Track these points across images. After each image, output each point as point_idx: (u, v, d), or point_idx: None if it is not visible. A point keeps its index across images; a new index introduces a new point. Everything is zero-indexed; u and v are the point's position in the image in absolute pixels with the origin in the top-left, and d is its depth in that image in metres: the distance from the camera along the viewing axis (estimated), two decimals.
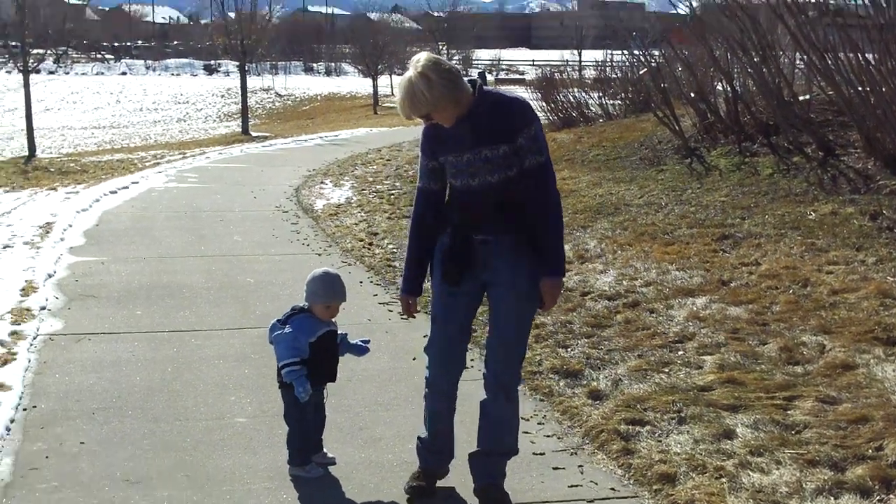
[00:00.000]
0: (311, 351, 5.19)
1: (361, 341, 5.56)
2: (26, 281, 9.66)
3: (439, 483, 5.19)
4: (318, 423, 5.46)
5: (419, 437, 5.20)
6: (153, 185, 17.58)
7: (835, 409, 5.84)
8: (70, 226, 12.95)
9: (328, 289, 5.25)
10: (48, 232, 12.52)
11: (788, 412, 5.88)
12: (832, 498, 4.83)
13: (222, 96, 62.37)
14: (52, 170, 21.81)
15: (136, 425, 6.07)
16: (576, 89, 26.79)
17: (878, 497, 4.81)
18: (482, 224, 4.82)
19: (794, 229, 10.02)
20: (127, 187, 17.15)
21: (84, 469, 5.43)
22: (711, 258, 9.42)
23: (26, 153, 27.57)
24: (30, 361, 7.24)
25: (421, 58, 4.65)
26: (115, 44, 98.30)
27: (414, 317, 5.25)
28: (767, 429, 5.65)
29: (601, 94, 25.98)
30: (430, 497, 5.05)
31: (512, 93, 4.96)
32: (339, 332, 5.42)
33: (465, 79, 4.72)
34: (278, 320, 5.38)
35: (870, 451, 5.27)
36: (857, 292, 7.88)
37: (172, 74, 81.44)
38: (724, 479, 5.09)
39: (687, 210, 11.62)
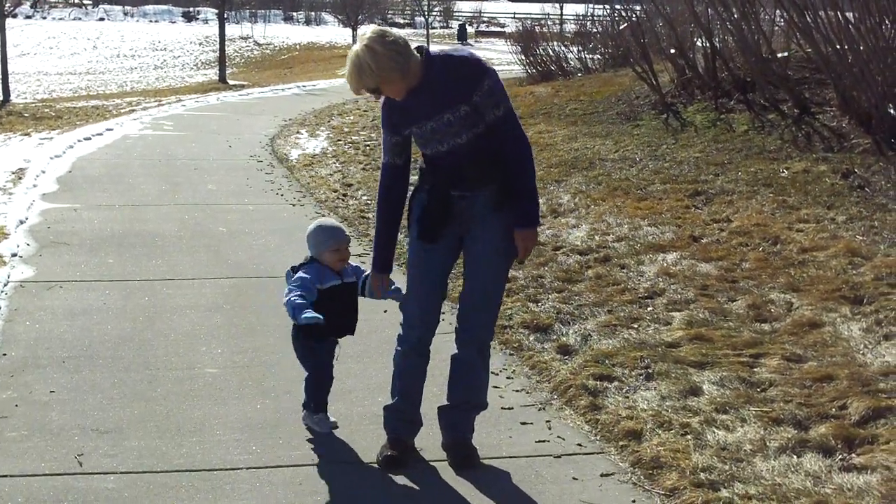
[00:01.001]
0: (320, 297, 5.09)
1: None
2: None
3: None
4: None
5: (386, 407, 5.16)
6: (128, 133, 17.47)
7: (800, 368, 5.89)
8: (43, 172, 12.89)
9: (330, 232, 5.22)
10: (20, 178, 12.46)
11: (755, 370, 5.93)
12: (795, 456, 4.88)
13: (200, 44, 61.83)
14: (26, 115, 21.63)
15: (107, 374, 6.08)
16: (555, 43, 26.69)
17: (840, 456, 4.87)
18: (459, 182, 4.81)
19: (766, 186, 10.05)
20: (101, 134, 17.05)
21: (54, 418, 5.44)
22: (683, 214, 9.45)
23: (0, 98, 27.32)
24: (1, 308, 7.23)
25: (367, 30, 4.63)
26: None
27: (384, 298, 5.19)
28: (733, 386, 5.71)
29: (581, 49, 25.90)
30: (403, 466, 4.97)
31: (459, 50, 4.93)
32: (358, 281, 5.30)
33: (413, 46, 4.69)
34: (291, 268, 5.29)
35: (833, 409, 5.32)
36: (827, 250, 7.92)
37: (150, 21, 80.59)
38: (689, 436, 5.15)
39: (661, 166, 11.63)
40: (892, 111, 11.23)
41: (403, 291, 5.11)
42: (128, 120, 19.64)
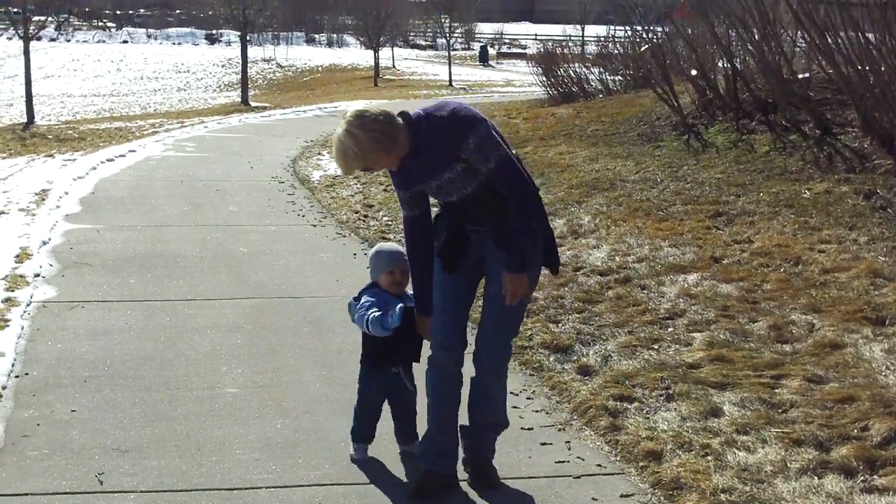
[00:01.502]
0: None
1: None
2: (21, 248, 9.69)
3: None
4: (398, 408, 5.34)
5: (422, 440, 5.14)
6: (150, 154, 17.57)
7: (821, 389, 5.87)
8: (66, 193, 12.97)
9: (386, 256, 5.22)
10: (44, 199, 12.54)
11: (776, 391, 5.91)
12: (816, 478, 4.86)
13: (223, 66, 62.17)
14: (49, 137, 21.80)
15: (128, 394, 6.11)
16: (577, 64, 26.72)
17: (861, 477, 4.85)
18: (472, 220, 4.88)
19: (787, 207, 10.02)
20: (124, 155, 17.14)
21: (74, 437, 5.47)
22: (704, 235, 9.43)
23: (25, 120, 27.52)
24: (23, 328, 7.28)
25: (347, 113, 4.63)
26: (118, 11, 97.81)
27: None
28: (754, 407, 5.69)
29: (602, 70, 25.92)
30: (437, 500, 4.90)
31: (442, 106, 4.78)
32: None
33: (397, 114, 4.65)
34: (354, 297, 5.27)
35: (855, 431, 5.30)
36: (849, 271, 7.89)
37: (174, 43, 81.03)
38: (709, 457, 5.13)
39: (682, 186, 11.61)
40: None
41: None
42: (150, 141, 19.75)
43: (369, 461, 5.26)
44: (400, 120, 4.65)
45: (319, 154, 17.83)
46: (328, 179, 14.78)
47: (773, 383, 6.01)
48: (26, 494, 4.80)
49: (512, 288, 4.79)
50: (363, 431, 5.30)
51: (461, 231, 4.91)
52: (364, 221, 11.52)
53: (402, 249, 5.26)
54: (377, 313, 5.01)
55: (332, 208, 12.44)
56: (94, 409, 5.87)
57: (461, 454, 5.13)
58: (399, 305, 4.99)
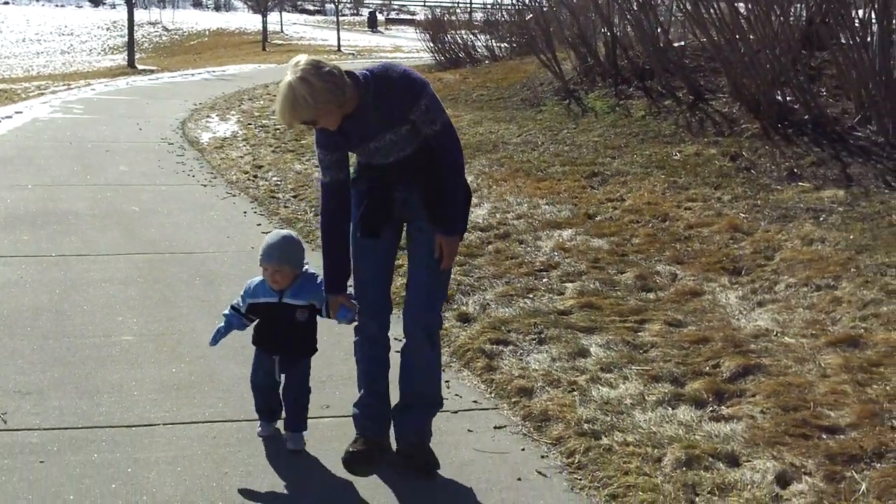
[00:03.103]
0: (251, 312, 5.04)
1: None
2: None
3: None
4: (282, 393, 5.15)
5: (355, 405, 5.02)
6: (37, 116, 17.52)
7: (680, 332, 6.37)
8: None
9: (262, 250, 4.91)
10: None
11: (638, 334, 6.40)
12: (670, 408, 5.34)
13: (108, 29, 61.24)
14: None
15: (26, 342, 6.34)
16: (464, 31, 27.12)
17: (710, 408, 5.34)
18: (401, 182, 4.72)
19: (659, 168, 10.57)
20: (10, 117, 17.09)
21: None
22: (580, 194, 9.92)
23: None
24: None
25: (300, 60, 4.39)
26: None
27: (338, 321, 4.86)
28: (618, 348, 6.16)
29: (488, 37, 26.36)
30: (370, 464, 4.82)
31: (390, 67, 4.64)
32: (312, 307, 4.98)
33: (344, 71, 4.46)
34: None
35: (707, 368, 5.80)
36: (711, 227, 8.44)
37: (57, 5, 79.52)
38: (575, 393, 5.58)
39: (561, 149, 12.11)
40: (779, 97, 11.83)
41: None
42: (37, 103, 19.65)
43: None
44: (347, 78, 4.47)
45: (208, 116, 17.96)
46: (217, 141, 14.96)
47: (637, 327, 6.49)
48: None
49: (448, 251, 4.73)
50: (259, 408, 5.19)
51: (386, 194, 4.73)
52: (253, 181, 11.77)
53: (286, 245, 4.94)
54: (227, 311, 5.09)
55: (221, 169, 12.66)
56: None
57: (393, 445, 5.01)
58: (217, 332, 5.07)
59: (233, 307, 5.07)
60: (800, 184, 9.53)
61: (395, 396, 5.02)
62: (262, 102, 19.98)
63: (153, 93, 22.66)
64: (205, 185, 11.56)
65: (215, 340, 5.12)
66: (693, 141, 11.54)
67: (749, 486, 4.51)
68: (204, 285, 7.67)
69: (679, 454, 4.77)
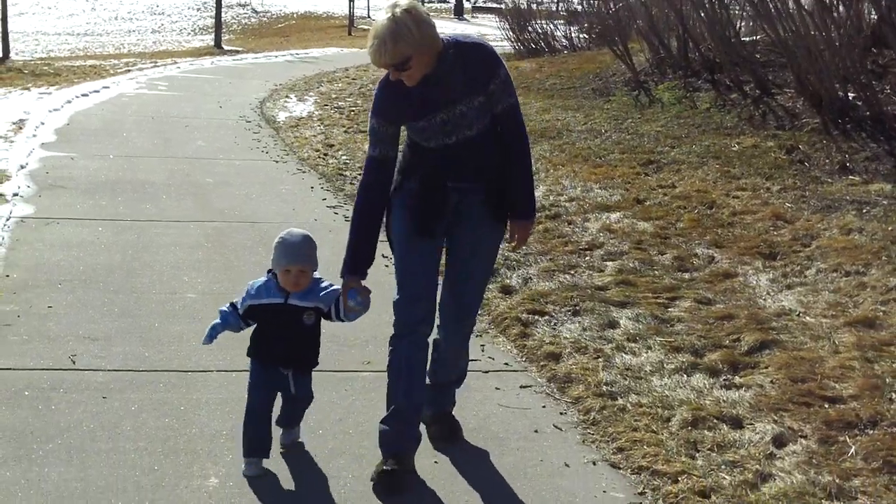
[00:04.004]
0: (249, 316, 4.70)
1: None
2: (0, 170, 10.39)
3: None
4: (285, 410, 4.86)
5: (383, 420, 4.70)
6: (123, 91, 18.20)
7: (708, 309, 6.72)
8: (42, 123, 13.64)
9: (282, 251, 4.56)
10: (21, 128, 13.20)
11: (668, 309, 6.75)
12: (686, 375, 5.70)
13: (198, 9, 62.28)
14: (25, 72, 22.27)
15: (97, 295, 6.87)
16: (545, 21, 27.40)
17: (724, 377, 5.69)
18: (458, 173, 4.53)
19: (715, 158, 10.85)
20: (98, 91, 17.78)
21: (51, 327, 6.23)
22: (633, 180, 10.26)
23: (0, 55, 27.95)
24: (3, 239, 8.01)
25: (398, 2, 4.23)
26: None
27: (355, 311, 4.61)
28: (646, 321, 6.52)
29: (569, 27, 26.61)
30: (402, 490, 4.53)
31: (468, 36, 4.50)
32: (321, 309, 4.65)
33: None
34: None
35: (727, 341, 6.15)
36: (755, 214, 8.74)
37: None
38: (600, 359, 5.96)
39: (623, 137, 12.43)
40: (840, 94, 12.03)
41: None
42: (124, 79, 20.35)
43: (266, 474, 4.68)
44: None
45: (287, 97, 18.51)
46: (293, 121, 15.49)
47: (668, 303, 6.85)
48: (9, 369, 5.56)
49: (523, 236, 4.72)
50: (251, 438, 4.63)
51: (442, 188, 4.53)
52: (324, 159, 12.25)
53: (310, 243, 4.58)
54: (214, 323, 4.76)
55: (294, 147, 13.16)
56: (68, 306, 6.63)
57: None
58: (207, 337, 4.72)
59: (232, 304, 4.74)
60: (850, 177, 9.76)
61: None
62: (340, 85, 20.49)
63: (236, 73, 23.28)
64: (277, 162, 12.07)
65: (210, 338, 4.74)
66: (753, 134, 11.79)
67: (747, 445, 4.87)
68: (266, 252, 7.95)
69: (687, 415, 5.14)
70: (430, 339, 4.74)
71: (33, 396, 5.25)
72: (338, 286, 4.60)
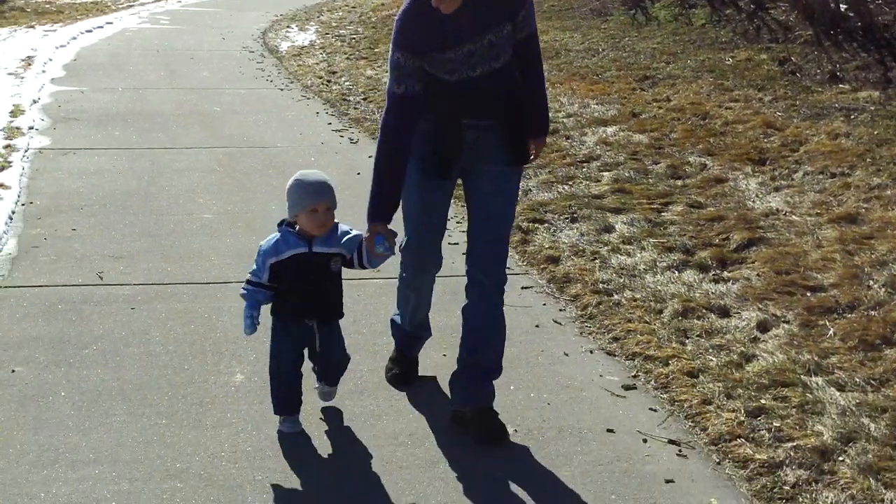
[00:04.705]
0: (274, 274, 4.33)
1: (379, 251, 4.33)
2: (14, 105, 10.73)
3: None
4: (318, 364, 4.63)
5: (393, 319, 4.98)
6: (127, 26, 18.43)
7: (699, 212, 7.06)
8: (50, 60, 13.91)
9: (304, 190, 4.25)
10: (30, 65, 13.48)
11: (662, 214, 7.09)
12: (677, 272, 6.06)
13: None
14: (28, 10, 22.45)
15: (118, 218, 7.22)
16: None
17: (713, 272, 6.05)
18: (475, 110, 4.33)
19: (709, 72, 11.13)
20: (102, 27, 18.00)
21: (77, 248, 6.59)
22: (629, 95, 10.55)
23: None
24: (24, 169, 8.35)
25: None
26: None
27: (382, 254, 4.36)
28: (641, 225, 6.86)
29: None
30: (408, 384, 4.90)
31: None
32: (343, 253, 4.37)
33: None
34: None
35: (717, 240, 6.50)
36: (747, 123, 9.04)
37: None
38: (596, 261, 6.31)
39: (619, 55, 12.69)
40: (832, 5, 12.27)
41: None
42: (126, 14, 20.54)
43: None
44: None
45: (288, 27, 18.71)
46: (295, 49, 15.73)
47: (661, 208, 7.19)
48: (42, 286, 5.93)
49: (538, 149, 4.59)
50: (282, 399, 4.51)
51: (458, 127, 4.32)
52: (327, 86, 12.53)
53: (328, 180, 4.31)
54: (247, 299, 4.40)
55: (297, 75, 13.43)
56: (91, 228, 6.98)
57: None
58: (249, 324, 4.37)
59: (248, 282, 4.39)
60: (840, 86, 10.05)
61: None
62: (340, 14, 20.65)
63: (237, 5, 23.38)
64: (281, 90, 12.34)
65: (252, 327, 4.38)
66: (747, 47, 12.06)
67: (733, 331, 5.25)
68: (276, 174, 8.45)
69: (677, 307, 5.52)
70: (462, 309, 4.58)
71: (66, 309, 5.62)
72: (358, 231, 4.38)
